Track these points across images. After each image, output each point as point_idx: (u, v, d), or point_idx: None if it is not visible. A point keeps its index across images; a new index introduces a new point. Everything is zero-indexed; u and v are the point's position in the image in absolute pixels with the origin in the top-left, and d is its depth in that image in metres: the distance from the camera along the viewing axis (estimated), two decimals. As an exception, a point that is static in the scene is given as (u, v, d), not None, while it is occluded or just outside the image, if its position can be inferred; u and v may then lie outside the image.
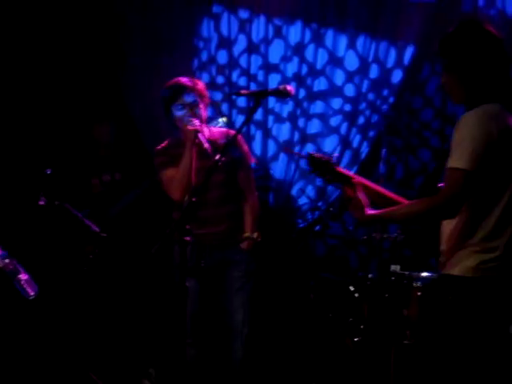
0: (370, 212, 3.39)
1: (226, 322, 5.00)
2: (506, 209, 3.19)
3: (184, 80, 4.95)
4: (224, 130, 5.05)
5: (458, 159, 3.10)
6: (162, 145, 5.03)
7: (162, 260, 4.38)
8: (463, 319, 3.18)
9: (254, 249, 4.95)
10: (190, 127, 4.75)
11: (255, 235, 4.92)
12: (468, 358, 3.19)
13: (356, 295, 5.48)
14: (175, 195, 4.81)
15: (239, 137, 4.90)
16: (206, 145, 4.69)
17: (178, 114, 4.88)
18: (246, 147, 5.05)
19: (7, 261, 4.50)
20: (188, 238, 4.63)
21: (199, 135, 4.73)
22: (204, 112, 4.93)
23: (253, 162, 5.12)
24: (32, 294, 4.49)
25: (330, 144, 6.31)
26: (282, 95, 4.02)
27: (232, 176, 4.92)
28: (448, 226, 3.27)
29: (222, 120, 5.08)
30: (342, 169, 3.62)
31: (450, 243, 3.26)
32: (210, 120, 5.10)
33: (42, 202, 5.23)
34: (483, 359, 3.19)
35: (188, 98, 4.88)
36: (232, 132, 4.97)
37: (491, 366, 3.21)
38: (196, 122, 4.77)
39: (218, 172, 4.58)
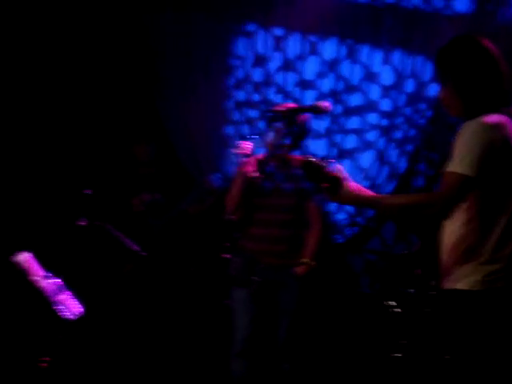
0: (354, 191, 3.31)
1: (272, 340, 5.10)
2: (510, 219, 3.15)
3: (284, 106, 4.85)
4: (301, 157, 5.12)
5: (458, 164, 3.07)
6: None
7: (207, 275, 4.42)
8: (473, 333, 3.14)
9: (307, 275, 5.06)
10: (235, 150, 4.93)
11: (311, 262, 5.05)
12: (484, 374, 3.14)
13: (396, 310, 5.45)
14: (227, 208, 4.98)
15: None
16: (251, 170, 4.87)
17: (268, 136, 4.89)
18: None
19: (51, 281, 4.54)
20: (228, 256, 4.69)
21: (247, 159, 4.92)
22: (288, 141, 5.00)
23: None
24: (75, 314, 4.52)
25: (367, 159, 6.30)
26: (318, 112, 4.02)
27: (301, 203, 5.06)
28: (450, 238, 3.23)
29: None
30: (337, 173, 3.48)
31: (454, 255, 3.21)
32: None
33: (82, 223, 5.28)
34: (499, 372, 3.14)
35: (278, 125, 4.84)
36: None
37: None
38: (244, 145, 4.91)
39: (289, 197, 4.98)
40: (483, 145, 3.06)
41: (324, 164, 3.38)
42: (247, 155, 5.05)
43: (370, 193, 3.39)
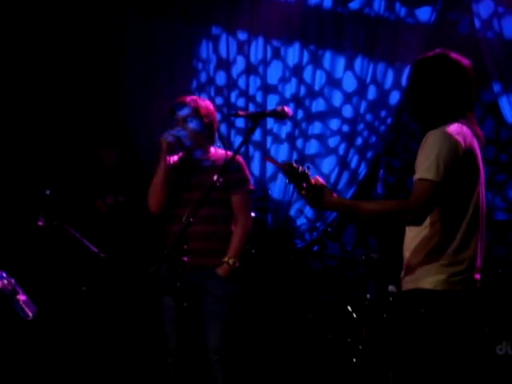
0: (335, 198, 3.41)
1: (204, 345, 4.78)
2: (470, 222, 3.32)
3: (184, 97, 4.88)
4: (223, 151, 5.01)
5: (425, 171, 3.22)
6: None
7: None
8: (435, 332, 3.27)
9: (230, 275, 4.70)
10: (161, 138, 4.69)
11: (231, 261, 4.67)
12: (438, 372, 3.28)
13: (354, 316, 5.49)
14: (149, 205, 4.78)
15: (241, 160, 4.84)
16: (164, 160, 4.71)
17: (173, 128, 4.79)
18: (247, 171, 4.88)
19: (6, 281, 4.51)
20: (185, 259, 4.58)
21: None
22: (198, 128, 4.80)
23: (251, 187, 4.98)
24: (30, 314, 4.50)
25: (328, 165, 6.33)
26: (280, 116, 4.00)
27: (225, 196, 4.76)
28: (412, 241, 3.38)
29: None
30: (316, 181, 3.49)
31: (417, 256, 3.34)
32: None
33: (40, 223, 5.25)
34: (451, 372, 3.30)
35: (181, 112, 4.79)
36: (230, 154, 4.96)
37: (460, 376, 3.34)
38: (172, 133, 4.71)
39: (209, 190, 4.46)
40: (448, 152, 3.22)
41: (305, 171, 3.43)
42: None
43: (348, 200, 3.49)
